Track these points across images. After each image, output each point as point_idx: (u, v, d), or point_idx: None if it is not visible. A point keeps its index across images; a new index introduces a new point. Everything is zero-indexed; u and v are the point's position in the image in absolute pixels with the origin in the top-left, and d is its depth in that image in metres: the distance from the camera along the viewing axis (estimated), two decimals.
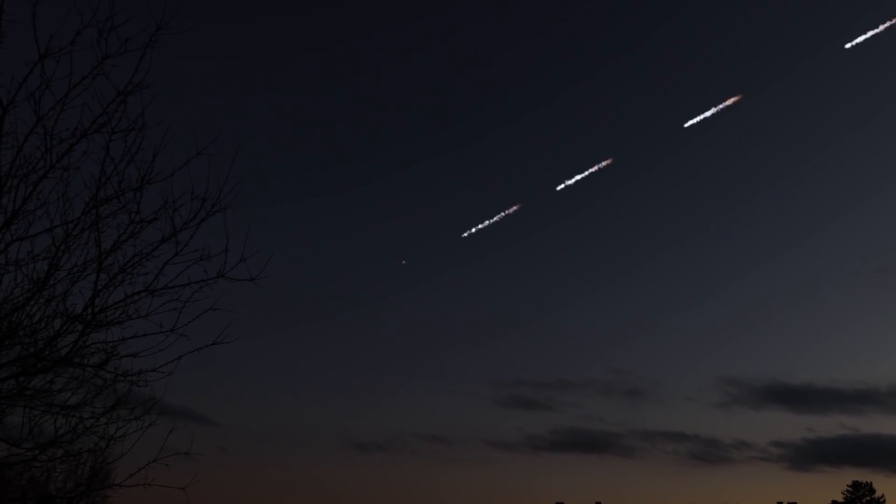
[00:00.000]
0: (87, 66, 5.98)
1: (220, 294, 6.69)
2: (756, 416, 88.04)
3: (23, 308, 6.32)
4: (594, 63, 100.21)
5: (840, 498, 64.22)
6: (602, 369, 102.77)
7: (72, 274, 6.40)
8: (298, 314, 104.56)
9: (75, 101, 6.00)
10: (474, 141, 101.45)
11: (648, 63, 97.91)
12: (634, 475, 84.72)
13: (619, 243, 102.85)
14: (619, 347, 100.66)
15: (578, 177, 75.50)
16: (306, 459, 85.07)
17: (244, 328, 7.24)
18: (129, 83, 6.12)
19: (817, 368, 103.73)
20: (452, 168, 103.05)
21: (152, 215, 6.44)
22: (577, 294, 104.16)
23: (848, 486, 64.95)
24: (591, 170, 73.12)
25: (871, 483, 64.31)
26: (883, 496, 63.76)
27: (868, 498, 64.09)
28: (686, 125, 74.86)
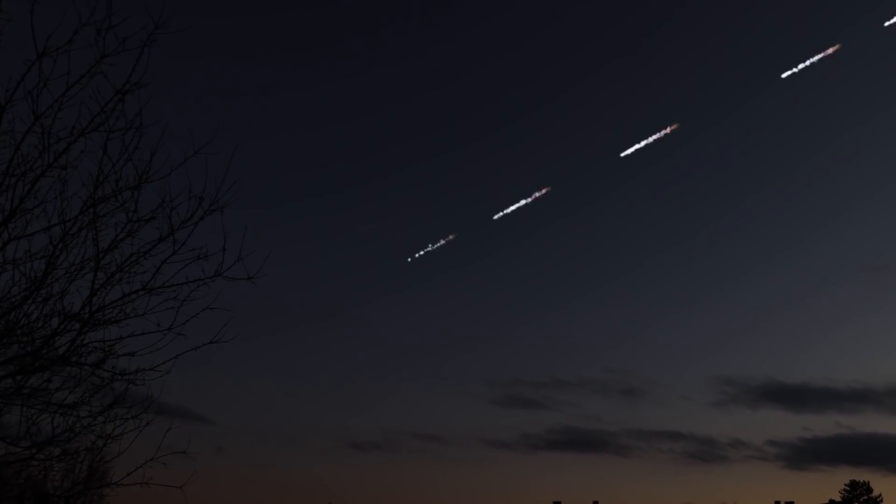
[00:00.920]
0: (85, 65, 5.98)
1: (218, 293, 6.69)
2: (752, 416, 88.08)
3: (20, 307, 6.32)
4: (594, 62, 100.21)
5: (838, 497, 64.35)
6: (598, 369, 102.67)
7: (69, 273, 6.40)
8: (295, 313, 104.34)
9: (73, 99, 5.99)
10: (474, 141, 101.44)
11: (647, 61, 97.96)
12: (631, 474, 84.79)
13: (617, 243, 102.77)
14: (615, 347, 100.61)
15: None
16: (303, 458, 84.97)
17: (241, 327, 7.24)
18: (126, 82, 6.11)
19: (813, 367, 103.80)
20: (453, 168, 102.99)
21: (150, 214, 6.43)
22: (574, 294, 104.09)
23: (845, 485, 65.08)
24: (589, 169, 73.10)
25: (868, 482, 64.47)
26: (881, 495, 63.92)
27: (865, 497, 64.20)
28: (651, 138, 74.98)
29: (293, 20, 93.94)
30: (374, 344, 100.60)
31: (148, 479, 6.80)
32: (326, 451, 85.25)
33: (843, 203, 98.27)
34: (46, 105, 5.93)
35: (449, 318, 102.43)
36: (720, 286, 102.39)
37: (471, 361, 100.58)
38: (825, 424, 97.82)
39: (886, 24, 61.03)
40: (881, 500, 63.89)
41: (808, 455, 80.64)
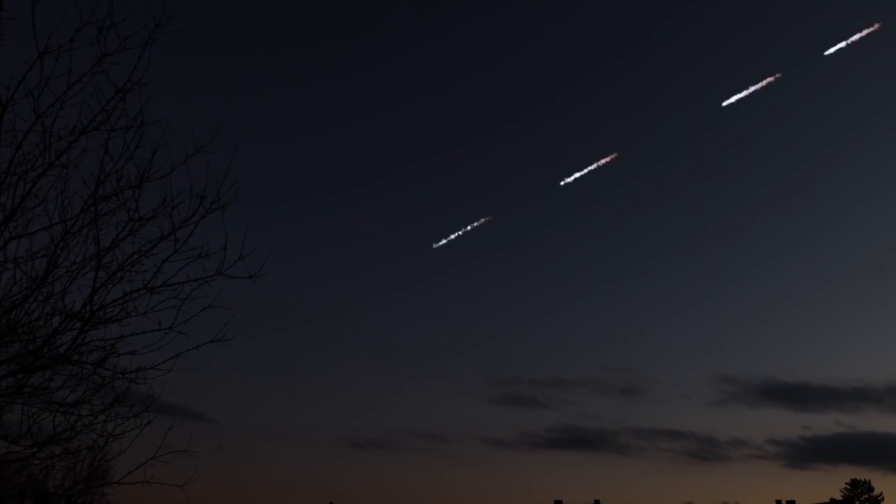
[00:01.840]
0: (86, 64, 5.98)
1: (219, 292, 6.70)
2: (752, 414, 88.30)
3: (21, 305, 6.32)
4: (594, 62, 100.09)
5: (839, 496, 64.31)
6: (597, 367, 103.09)
7: (70, 271, 6.40)
8: (296, 313, 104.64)
9: (74, 98, 6.00)
10: (474, 141, 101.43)
11: (653, 57, 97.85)
12: (632, 473, 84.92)
13: (616, 243, 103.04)
14: (614, 346, 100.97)
15: (578, 174, 75.44)
16: (304, 457, 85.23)
17: (243, 326, 7.25)
18: (128, 81, 6.12)
19: (813, 366, 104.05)
20: (451, 168, 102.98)
21: (151, 213, 6.44)
22: (573, 293, 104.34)
23: (846, 483, 65.08)
24: (591, 167, 73.10)
25: (869, 481, 64.45)
26: (881, 494, 63.88)
27: (867, 496, 64.18)
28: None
29: (294, 21, 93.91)
30: (374, 343, 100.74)
31: (149, 478, 6.81)
32: (327, 450, 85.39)
33: (842, 204, 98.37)
34: (48, 104, 5.95)
35: (449, 317, 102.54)
36: (720, 286, 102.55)
37: (471, 360, 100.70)
38: (825, 423, 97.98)
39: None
40: (882, 499, 63.86)
41: (808, 454, 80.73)
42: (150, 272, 6.49)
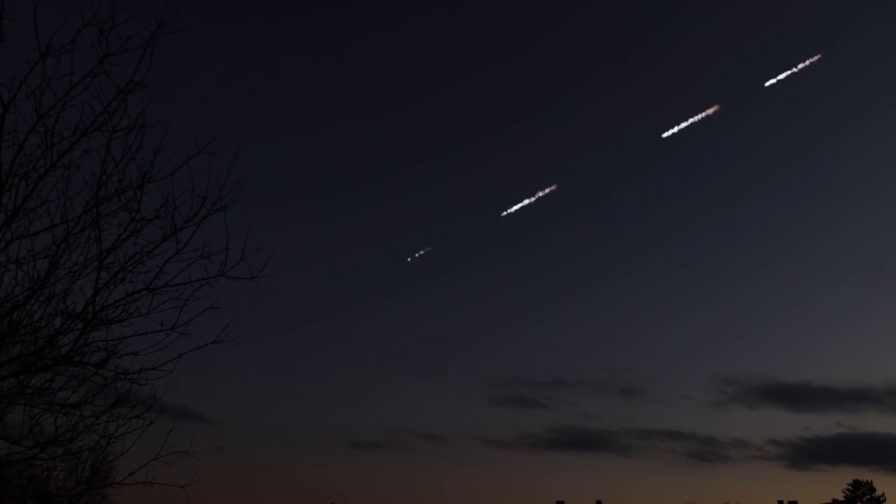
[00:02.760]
0: (88, 65, 5.98)
1: (221, 293, 6.70)
2: (752, 415, 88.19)
3: (23, 306, 6.32)
4: (596, 63, 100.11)
5: (840, 496, 64.23)
6: (597, 368, 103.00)
7: (72, 272, 6.40)
8: (298, 314, 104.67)
9: (76, 99, 6.00)
10: (479, 141, 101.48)
11: (644, 66, 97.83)
12: (633, 473, 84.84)
13: (616, 244, 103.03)
14: (614, 347, 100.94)
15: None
16: (304, 458, 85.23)
17: (244, 327, 7.25)
18: (129, 82, 6.12)
19: (814, 367, 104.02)
20: (451, 169, 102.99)
21: (153, 214, 6.44)
22: (573, 295, 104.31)
23: (848, 484, 64.96)
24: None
25: (871, 482, 64.35)
26: (883, 495, 63.78)
27: (868, 496, 64.07)
28: (665, 135, 75.23)
29: (296, 23, 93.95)
30: (375, 345, 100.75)
31: (151, 479, 6.82)
32: (328, 451, 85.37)
33: (842, 206, 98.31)
34: (49, 104, 5.94)
35: (450, 319, 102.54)
36: (720, 287, 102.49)
37: (471, 361, 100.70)
38: (825, 424, 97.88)
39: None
40: (884, 500, 63.77)
41: (808, 455, 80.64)
42: (151, 273, 6.50)
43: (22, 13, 5.85)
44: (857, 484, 64.59)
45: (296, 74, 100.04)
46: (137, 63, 6.07)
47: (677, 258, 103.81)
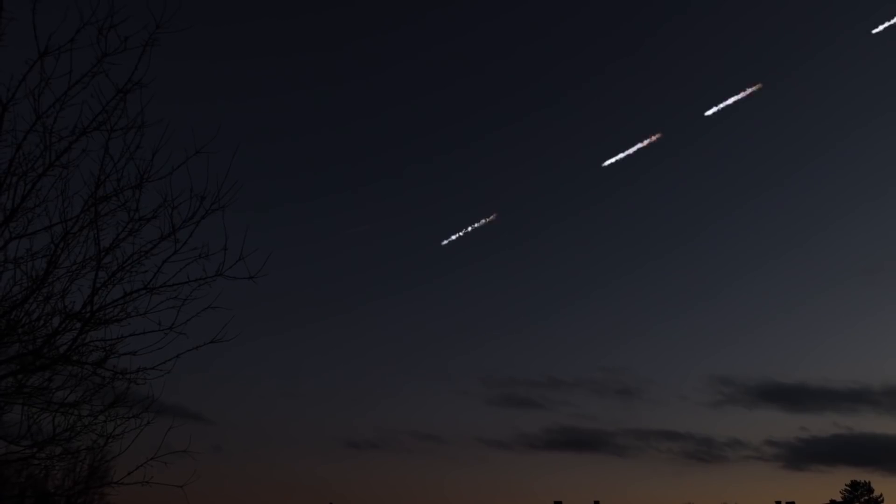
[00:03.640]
0: (87, 65, 5.99)
1: (219, 292, 6.70)
2: (749, 416, 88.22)
3: (21, 306, 6.32)
4: (600, 60, 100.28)
5: (838, 497, 64.31)
6: (594, 368, 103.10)
7: (71, 272, 6.40)
8: (296, 314, 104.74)
9: (75, 99, 6.01)
10: (477, 140, 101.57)
11: (644, 65, 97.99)
12: (630, 474, 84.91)
13: (614, 245, 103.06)
14: (610, 347, 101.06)
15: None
16: (301, 458, 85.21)
17: (242, 327, 7.25)
18: (128, 81, 6.12)
19: (811, 368, 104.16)
20: (451, 170, 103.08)
21: (151, 213, 6.44)
22: (570, 295, 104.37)
23: (846, 485, 65.03)
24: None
25: (869, 482, 64.41)
26: (881, 495, 63.86)
27: (866, 497, 64.14)
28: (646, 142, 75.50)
29: (295, 23, 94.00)
30: (372, 345, 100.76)
31: (149, 479, 6.81)
32: (326, 451, 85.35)
33: (840, 207, 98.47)
34: (48, 104, 5.95)
35: (447, 319, 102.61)
36: (717, 288, 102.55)
37: (467, 361, 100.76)
38: (822, 424, 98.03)
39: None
40: (882, 501, 63.85)
41: (806, 455, 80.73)
42: (150, 272, 6.50)
43: (21, 13, 5.87)
44: (855, 485, 64.64)
45: (296, 75, 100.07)
46: (136, 63, 6.09)
47: (674, 259, 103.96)
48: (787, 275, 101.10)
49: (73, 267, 6.39)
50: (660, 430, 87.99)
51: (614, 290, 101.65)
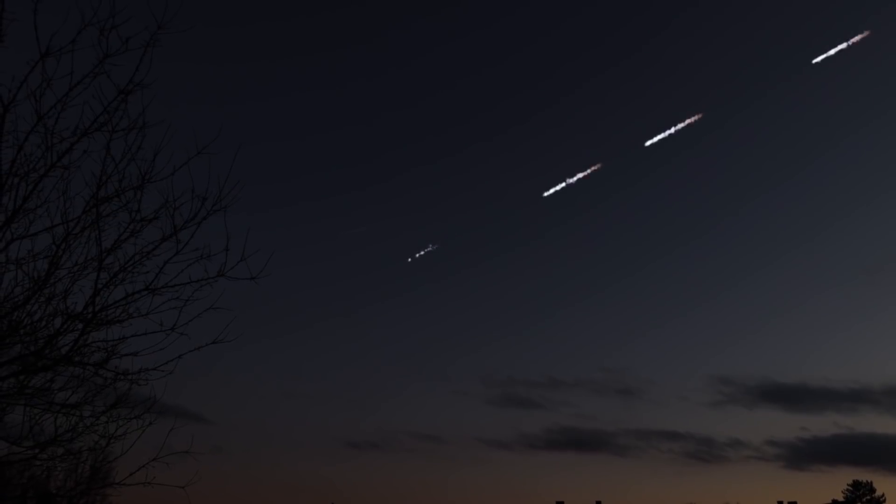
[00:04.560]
0: (88, 65, 5.98)
1: (221, 293, 6.70)
2: (750, 416, 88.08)
3: (23, 306, 6.32)
4: (605, 61, 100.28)
5: (839, 497, 64.22)
6: (594, 368, 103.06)
7: (72, 272, 6.40)
8: (297, 315, 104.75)
9: (76, 99, 6.00)
10: (471, 145, 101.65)
11: (644, 69, 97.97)
12: (631, 474, 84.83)
13: (614, 246, 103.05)
14: (611, 347, 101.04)
15: (579, 175, 75.60)
16: (302, 458, 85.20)
17: (244, 328, 7.25)
18: (129, 82, 6.12)
19: (811, 368, 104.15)
20: (452, 170, 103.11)
21: (153, 214, 6.44)
22: (570, 295, 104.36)
23: (848, 485, 64.94)
24: (579, 175, 73.53)
25: (871, 482, 64.34)
26: (883, 495, 63.78)
27: (868, 497, 64.06)
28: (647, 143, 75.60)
29: (295, 25, 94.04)
30: (373, 346, 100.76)
31: (151, 479, 6.81)
32: (327, 452, 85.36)
33: (841, 208, 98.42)
34: (49, 105, 5.94)
35: (447, 320, 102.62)
36: (718, 288, 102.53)
37: (467, 362, 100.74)
38: (823, 424, 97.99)
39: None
40: (884, 500, 63.77)
41: (806, 455, 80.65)
42: (151, 273, 6.50)
43: (22, 13, 5.86)
44: (857, 484, 64.57)
45: (296, 76, 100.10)
46: (137, 64, 6.09)
47: (675, 259, 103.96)
48: (787, 275, 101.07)
49: (74, 268, 6.39)
50: (660, 430, 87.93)
51: (615, 290, 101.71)
